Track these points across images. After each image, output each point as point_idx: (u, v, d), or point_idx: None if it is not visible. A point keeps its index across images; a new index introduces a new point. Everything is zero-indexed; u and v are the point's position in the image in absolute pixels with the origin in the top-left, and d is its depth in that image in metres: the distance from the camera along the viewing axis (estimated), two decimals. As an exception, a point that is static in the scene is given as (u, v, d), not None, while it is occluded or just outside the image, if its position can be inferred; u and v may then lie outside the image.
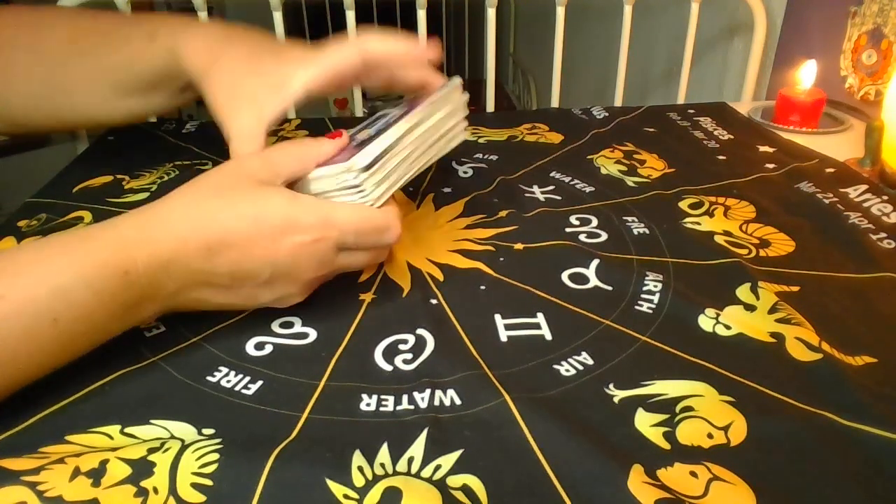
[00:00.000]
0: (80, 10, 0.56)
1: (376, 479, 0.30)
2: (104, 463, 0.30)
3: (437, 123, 0.45)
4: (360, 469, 0.31)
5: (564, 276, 0.46)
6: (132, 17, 0.53)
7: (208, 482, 0.30)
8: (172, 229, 0.36)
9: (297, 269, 0.38)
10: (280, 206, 0.37)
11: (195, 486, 0.30)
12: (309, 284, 0.40)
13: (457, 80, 0.48)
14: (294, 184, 0.41)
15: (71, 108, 0.55)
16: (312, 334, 0.41)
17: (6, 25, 0.53)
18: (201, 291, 0.38)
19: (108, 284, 0.34)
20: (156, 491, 0.29)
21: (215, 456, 0.31)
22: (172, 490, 0.29)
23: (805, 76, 0.77)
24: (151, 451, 0.31)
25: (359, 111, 1.08)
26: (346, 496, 0.29)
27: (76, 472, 0.30)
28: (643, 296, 0.44)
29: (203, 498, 0.29)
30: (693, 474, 0.31)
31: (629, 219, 0.54)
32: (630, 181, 0.62)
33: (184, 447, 0.31)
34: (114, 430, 0.33)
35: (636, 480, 0.30)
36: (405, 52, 0.46)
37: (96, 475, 0.30)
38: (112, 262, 0.34)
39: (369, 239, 0.40)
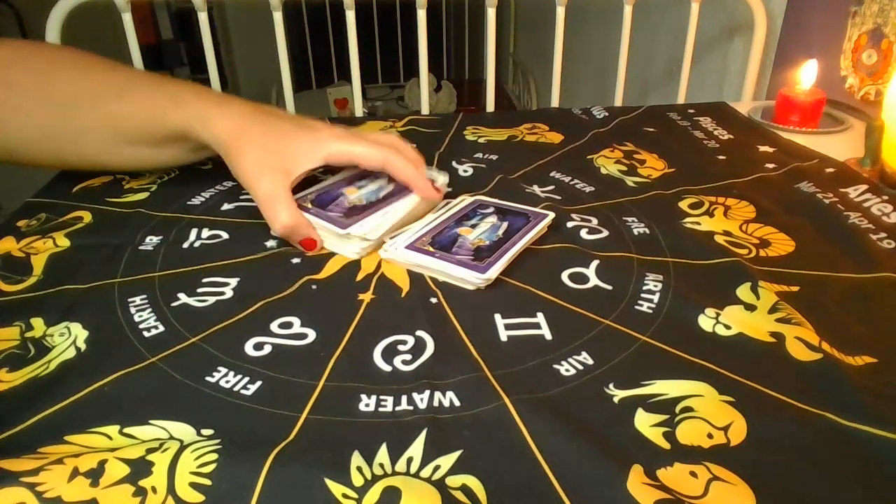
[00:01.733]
0: (90, 55, 0.56)
1: (375, 479, 0.30)
2: (103, 463, 0.30)
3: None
4: (359, 469, 0.30)
5: (564, 276, 0.46)
6: (151, 77, 0.55)
7: (207, 482, 0.30)
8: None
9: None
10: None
11: (194, 485, 0.29)
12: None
13: (444, 179, 0.55)
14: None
15: (75, 152, 0.57)
16: (311, 334, 0.41)
17: (15, 63, 0.54)
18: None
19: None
20: (154, 490, 0.29)
21: (214, 456, 0.31)
22: (171, 489, 0.29)
23: (805, 76, 0.77)
24: (150, 451, 0.31)
25: (359, 111, 1.08)
26: (345, 496, 0.29)
27: (75, 473, 0.30)
28: (643, 295, 0.44)
29: (202, 497, 0.29)
30: (693, 474, 0.31)
31: (629, 219, 0.54)
32: (630, 181, 0.62)
33: (182, 447, 0.31)
34: (113, 430, 0.33)
35: (636, 480, 0.30)
36: (415, 187, 0.52)
37: (95, 475, 0.30)
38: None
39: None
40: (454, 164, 0.65)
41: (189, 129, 0.52)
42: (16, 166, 0.57)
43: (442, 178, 0.55)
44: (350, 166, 0.55)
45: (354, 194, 0.53)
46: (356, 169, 0.55)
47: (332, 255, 0.49)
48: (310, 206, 0.51)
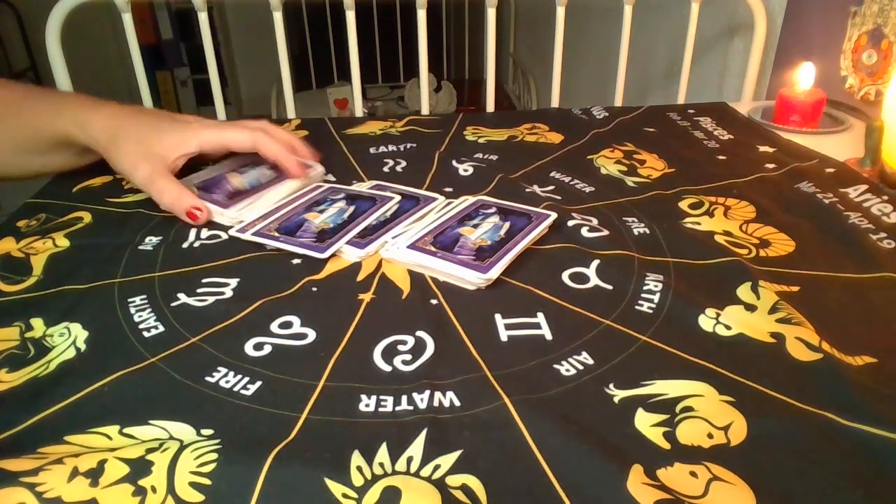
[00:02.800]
0: None
1: (375, 478, 0.30)
2: (102, 463, 0.30)
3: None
4: (359, 469, 0.30)
5: (565, 276, 0.46)
6: (38, 92, 0.61)
7: (206, 481, 0.30)
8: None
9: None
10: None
11: (193, 485, 0.29)
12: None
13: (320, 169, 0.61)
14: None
15: None
16: (311, 334, 0.41)
17: None
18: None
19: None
20: (154, 490, 0.29)
21: (214, 456, 0.31)
22: (171, 489, 0.29)
23: (805, 76, 0.77)
24: (150, 450, 0.31)
25: (359, 111, 1.08)
26: (344, 495, 0.29)
27: (74, 473, 0.30)
28: (643, 295, 0.44)
29: (201, 497, 0.29)
30: (693, 474, 0.30)
31: (629, 219, 0.54)
32: (630, 181, 0.62)
33: (182, 447, 0.31)
34: (112, 430, 0.33)
35: (636, 481, 0.30)
36: (281, 163, 0.58)
37: (94, 475, 0.30)
38: None
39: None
40: (454, 163, 0.65)
41: (69, 134, 0.56)
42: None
43: (318, 168, 0.61)
44: (228, 154, 0.61)
45: (237, 179, 0.58)
46: (240, 159, 0.61)
47: (331, 256, 0.49)
48: (195, 191, 0.55)
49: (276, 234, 0.50)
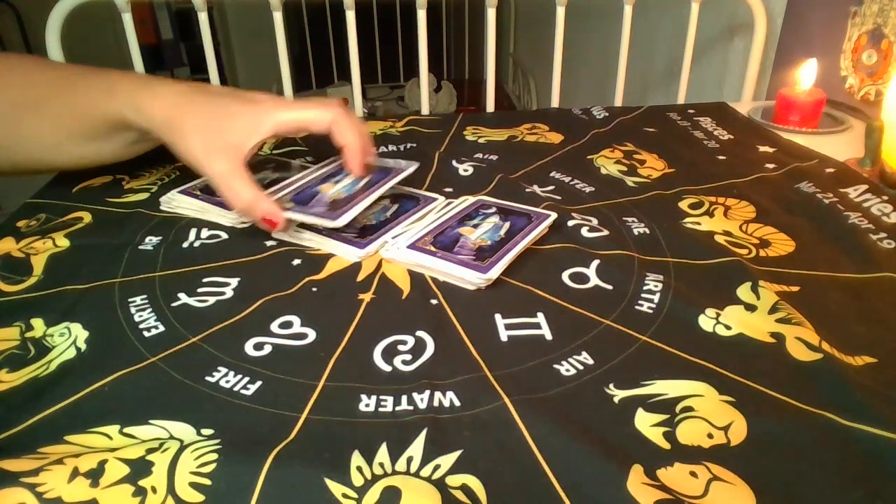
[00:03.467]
0: (27, 59, 0.57)
1: (375, 478, 0.30)
2: (103, 463, 0.30)
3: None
4: (359, 469, 0.30)
5: (565, 276, 0.46)
6: (88, 71, 0.55)
7: (207, 482, 0.30)
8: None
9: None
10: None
11: (193, 485, 0.29)
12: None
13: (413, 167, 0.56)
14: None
15: (26, 156, 0.56)
16: (311, 334, 0.41)
17: None
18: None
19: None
20: (154, 490, 0.29)
21: (214, 456, 0.31)
22: (171, 489, 0.29)
23: (805, 76, 0.77)
24: (150, 451, 0.31)
25: (359, 111, 1.08)
26: (344, 495, 0.29)
27: (75, 473, 0.30)
28: (643, 295, 0.44)
29: (201, 497, 0.29)
30: (693, 474, 0.31)
31: (629, 219, 0.54)
32: (630, 181, 0.62)
33: (182, 447, 0.31)
34: (113, 430, 0.33)
35: (636, 481, 0.30)
36: (349, 153, 0.52)
37: (95, 475, 0.30)
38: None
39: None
40: (454, 163, 0.65)
41: (124, 118, 0.51)
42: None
43: (410, 167, 0.56)
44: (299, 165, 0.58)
45: (332, 189, 0.53)
46: (322, 166, 0.57)
47: (331, 255, 0.49)
48: (290, 205, 0.51)
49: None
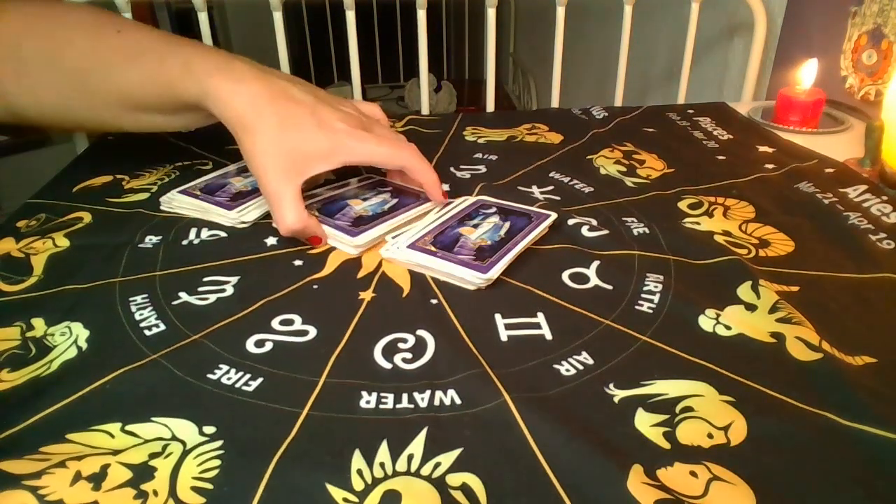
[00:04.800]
0: (103, 14, 0.54)
1: (376, 482, 0.30)
2: (105, 467, 0.30)
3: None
4: (360, 472, 0.30)
5: (565, 276, 0.46)
6: (160, 38, 0.52)
7: (209, 486, 0.30)
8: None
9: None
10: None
11: (196, 489, 0.30)
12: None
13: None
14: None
15: (91, 118, 0.55)
16: (312, 331, 0.41)
17: (25, 31, 0.52)
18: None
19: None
20: (156, 494, 0.29)
21: (217, 462, 0.31)
22: (172, 493, 0.29)
23: (805, 75, 0.77)
24: (153, 455, 0.31)
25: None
26: (345, 500, 0.29)
27: (77, 476, 0.30)
28: (643, 295, 0.44)
29: (202, 500, 0.29)
30: (693, 474, 0.31)
31: (629, 219, 0.54)
32: (629, 181, 0.62)
33: (185, 452, 0.31)
34: (115, 427, 0.33)
35: (636, 480, 0.30)
36: (430, 189, 0.53)
37: (97, 479, 0.30)
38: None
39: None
40: (454, 164, 0.66)
41: (200, 103, 0.49)
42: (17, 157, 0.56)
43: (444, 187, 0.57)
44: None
45: (360, 206, 0.54)
46: (356, 183, 0.59)
47: (331, 251, 0.49)
48: (316, 214, 0.52)
49: (316, 214, 0.50)
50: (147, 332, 0.41)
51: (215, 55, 0.50)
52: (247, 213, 0.53)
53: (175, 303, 0.43)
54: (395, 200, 0.55)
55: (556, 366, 0.38)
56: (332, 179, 0.59)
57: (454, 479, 0.30)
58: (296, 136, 0.48)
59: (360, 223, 0.51)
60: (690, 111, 0.81)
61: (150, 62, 0.50)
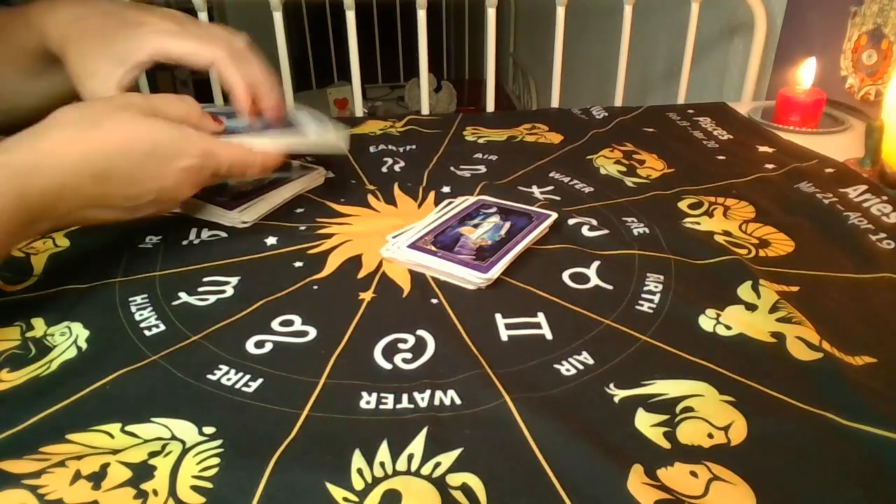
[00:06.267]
0: None
1: (376, 481, 0.30)
2: (105, 466, 0.30)
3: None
4: (360, 472, 0.30)
5: (565, 276, 0.46)
6: (14, 10, 0.55)
7: (208, 485, 0.30)
8: (63, 161, 0.39)
9: (179, 189, 0.45)
10: (170, 137, 0.43)
11: (195, 488, 0.30)
12: (185, 199, 0.47)
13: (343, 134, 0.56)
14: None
15: None
16: (312, 332, 0.41)
17: None
18: (90, 211, 0.42)
19: (6, 206, 0.37)
20: (155, 493, 0.29)
21: (216, 461, 0.31)
22: (172, 492, 0.29)
23: (805, 74, 0.77)
24: (153, 454, 0.31)
25: (359, 111, 1.08)
26: (345, 499, 0.29)
27: (77, 476, 0.30)
28: (644, 295, 0.44)
29: (202, 500, 0.29)
30: (693, 474, 0.31)
31: (629, 219, 0.54)
32: (629, 181, 0.62)
33: (185, 451, 0.31)
34: (114, 428, 0.33)
35: (636, 480, 0.30)
36: (234, 98, 0.51)
37: (97, 478, 0.30)
38: (7, 189, 0.37)
39: (237, 172, 0.48)
40: (453, 164, 0.66)
41: (42, 45, 0.51)
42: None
43: (340, 133, 0.55)
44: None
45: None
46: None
47: (331, 250, 0.49)
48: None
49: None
50: (147, 333, 0.41)
51: (46, 3, 0.53)
52: (246, 213, 0.53)
53: (175, 303, 0.43)
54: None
55: (557, 366, 0.38)
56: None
57: (454, 479, 0.30)
58: (101, 43, 0.49)
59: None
60: (690, 111, 0.81)
61: (11, 29, 0.53)
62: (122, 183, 0.41)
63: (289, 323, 0.42)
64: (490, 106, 1.08)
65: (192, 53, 0.50)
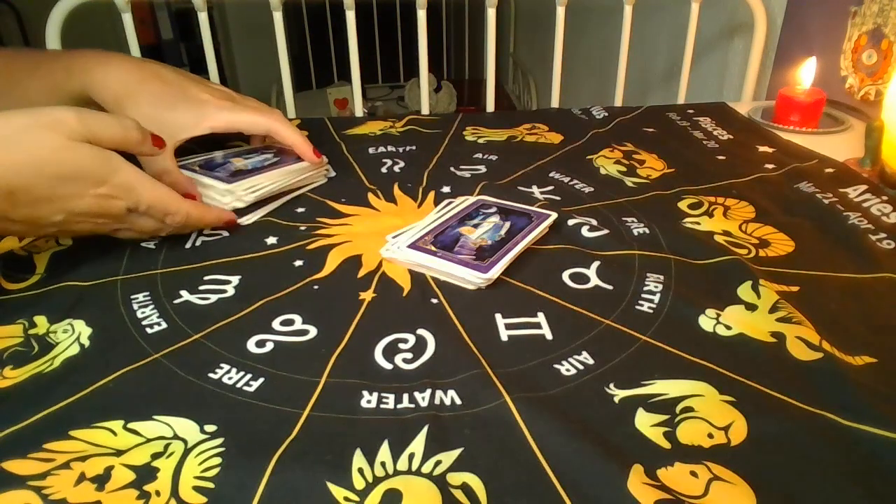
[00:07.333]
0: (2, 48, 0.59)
1: (377, 481, 0.30)
2: (109, 469, 0.30)
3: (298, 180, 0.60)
4: (361, 471, 0.31)
5: (565, 276, 0.46)
6: (50, 54, 0.57)
7: (210, 485, 0.30)
8: None
9: (88, 216, 0.44)
10: (92, 164, 0.42)
11: (197, 488, 0.30)
12: (93, 227, 0.45)
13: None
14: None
15: None
16: (313, 332, 0.41)
17: None
18: None
19: None
20: (158, 494, 0.29)
21: (218, 460, 0.31)
22: (174, 492, 0.29)
23: (805, 74, 0.77)
24: (156, 455, 0.31)
25: (359, 111, 1.08)
26: (346, 499, 0.29)
27: (81, 478, 0.30)
28: (644, 295, 0.44)
29: (204, 500, 0.29)
30: (693, 474, 0.31)
31: (629, 219, 0.55)
32: (629, 181, 0.62)
33: (187, 450, 0.32)
34: (117, 425, 0.33)
35: (636, 480, 0.30)
36: (298, 148, 0.58)
37: (101, 480, 0.30)
38: None
39: (157, 214, 0.47)
40: (453, 164, 0.66)
41: (84, 94, 0.53)
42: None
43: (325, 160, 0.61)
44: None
45: (240, 162, 0.59)
46: (240, 149, 0.63)
47: (331, 248, 0.49)
48: (197, 168, 0.57)
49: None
50: (149, 331, 0.41)
51: (92, 54, 0.55)
52: (245, 193, 0.55)
53: (176, 301, 0.44)
54: (276, 159, 0.59)
55: (557, 366, 0.38)
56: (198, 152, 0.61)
57: (455, 479, 0.30)
58: (164, 110, 0.54)
59: (237, 175, 0.55)
60: (690, 111, 0.81)
61: (40, 75, 0.55)
62: (30, 202, 0.41)
63: (289, 322, 0.42)
64: (490, 106, 1.08)
65: (253, 123, 0.57)
